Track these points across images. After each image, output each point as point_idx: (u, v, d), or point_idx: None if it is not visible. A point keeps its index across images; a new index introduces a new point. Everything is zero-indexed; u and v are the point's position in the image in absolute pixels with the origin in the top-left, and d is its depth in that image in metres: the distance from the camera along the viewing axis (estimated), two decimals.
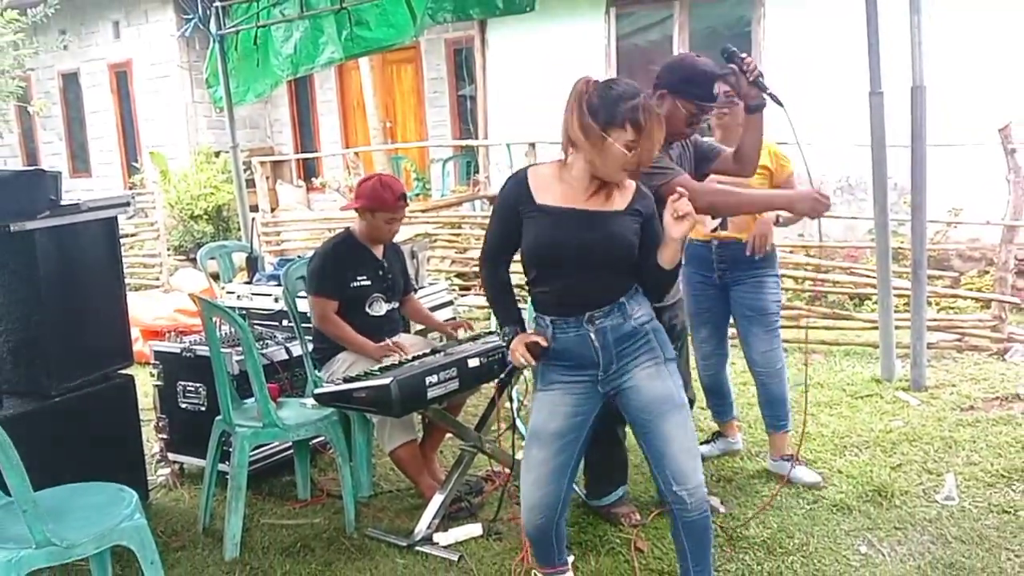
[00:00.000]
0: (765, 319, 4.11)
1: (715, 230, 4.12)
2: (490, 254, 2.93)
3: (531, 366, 2.83)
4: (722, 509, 3.74)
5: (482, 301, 8.26)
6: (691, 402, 3.90)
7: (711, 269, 4.13)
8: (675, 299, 3.63)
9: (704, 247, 4.11)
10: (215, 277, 6.25)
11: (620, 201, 2.77)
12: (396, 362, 3.73)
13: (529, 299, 2.94)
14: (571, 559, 3.23)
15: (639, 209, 2.80)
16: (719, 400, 4.43)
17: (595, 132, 2.61)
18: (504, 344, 2.89)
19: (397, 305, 4.36)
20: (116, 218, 4.15)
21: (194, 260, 10.28)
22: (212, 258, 5.90)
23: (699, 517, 2.81)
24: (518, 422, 4.20)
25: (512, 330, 2.87)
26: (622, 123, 2.58)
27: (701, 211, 3.29)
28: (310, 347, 4.28)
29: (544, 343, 2.79)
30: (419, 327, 4.84)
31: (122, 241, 4.48)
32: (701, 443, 4.21)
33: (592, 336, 2.76)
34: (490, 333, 4.25)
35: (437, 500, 3.80)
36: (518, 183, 2.79)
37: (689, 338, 4.05)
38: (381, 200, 4.09)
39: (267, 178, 12.17)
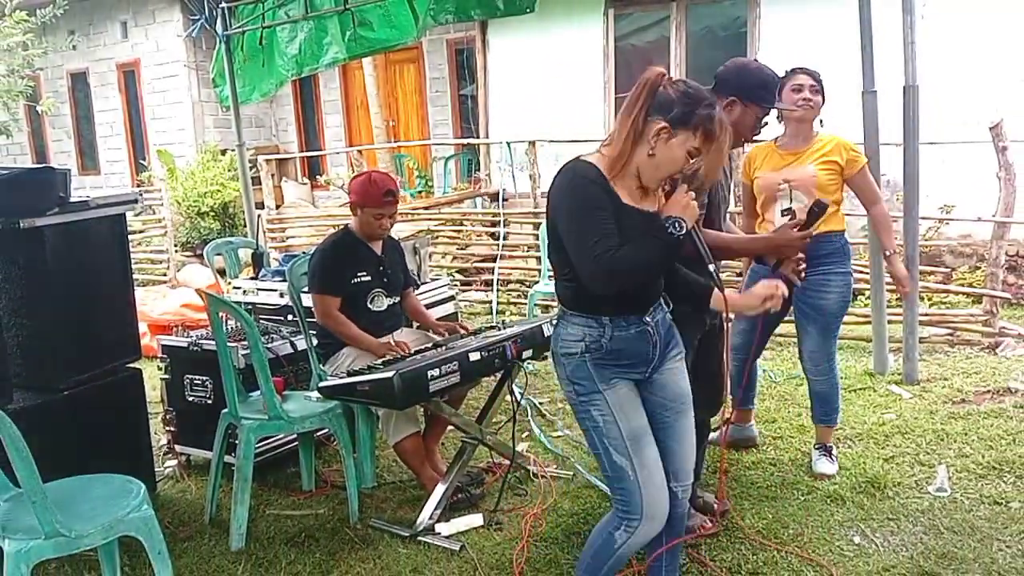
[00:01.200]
0: (822, 319, 4.05)
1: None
2: (605, 257, 2.38)
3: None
4: (717, 506, 3.73)
5: (482, 296, 8.33)
6: (720, 404, 3.84)
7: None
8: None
9: None
10: (221, 273, 6.31)
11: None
12: (393, 358, 3.78)
13: (561, 299, 2.66)
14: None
15: None
16: (745, 388, 4.35)
17: (662, 127, 2.40)
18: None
19: (398, 300, 4.40)
20: (124, 215, 4.20)
21: (201, 256, 10.33)
22: (218, 254, 5.97)
23: (681, 510, 2.84)
24: (532, 422, 4.25)
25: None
26: (695, 126, 2.40)
27: None
28: (314, 341, 4.34)
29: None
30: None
31: (130, 237, 4.51)
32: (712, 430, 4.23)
33: (651, 331, 2.63)
34: (490, 327, 4.32)
35: (439, 491, 3.86)
36: (596, 183, 2.45)
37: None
38: (368, 196, 4.13)
39: (272, 176, 12.21)
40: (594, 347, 2.57)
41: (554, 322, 2.73)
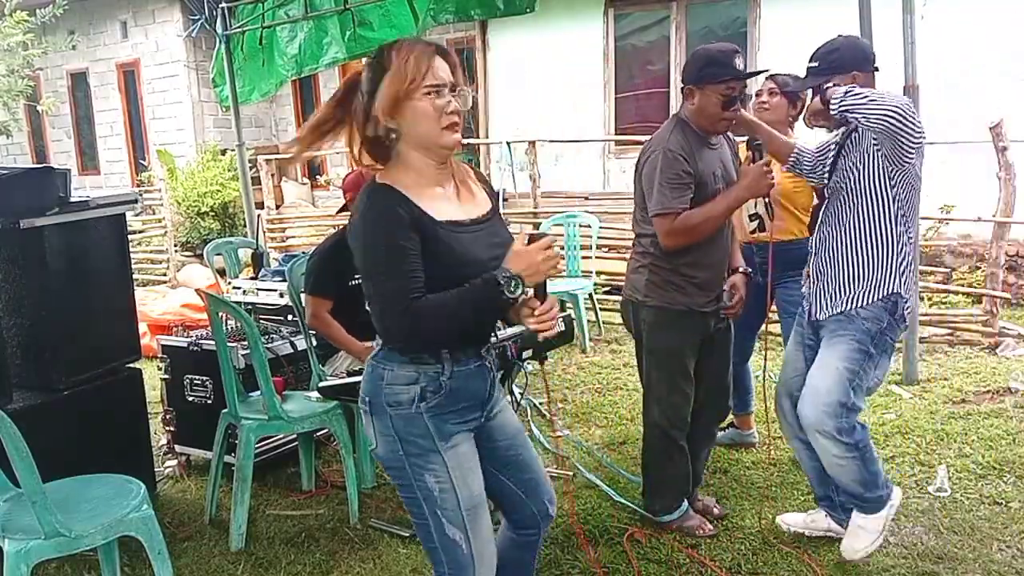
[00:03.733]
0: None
1: (753, 232, 4.15)
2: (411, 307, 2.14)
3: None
4: (716, 510, 3.76)
5: None
6: (728, 411, 3.92)
7: (754, 269, 3.96)
8: (718, 305, 3.55)
9: (747, 248, 3.97)
10: (221, 273, 6.32)
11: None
12: None
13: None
14: None
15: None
16: (737, 393, 4.37)
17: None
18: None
19: None
20: (124, 215, 4.20)
21: (201, 256, 10.35)
22: (218, 254, 5.97)
23: (548, 524, 2.60)
24: (531, 423, 4.24)
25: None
26: (389, 62, 2.14)
27: (671, 246, 3.33)
28: (314, 342, 4.34)
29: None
30: None
31: (130, 237, 4.52)
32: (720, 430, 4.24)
33: (488, 367, 2.32)
34: None
35: None
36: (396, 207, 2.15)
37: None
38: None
39: (272, 176, 12.22)
40: (431, 391, 2.19)
41: (368, 365, 2.30)
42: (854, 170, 3.14)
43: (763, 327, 4.14)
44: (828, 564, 3.36)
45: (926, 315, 6.28)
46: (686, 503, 3.68)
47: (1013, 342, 5.98)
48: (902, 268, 3.15)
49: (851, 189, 3.16)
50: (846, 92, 3.00)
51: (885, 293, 3.14)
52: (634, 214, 3.57)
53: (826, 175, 3.34)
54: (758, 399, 4.60)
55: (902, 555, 3.40)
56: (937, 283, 7.17)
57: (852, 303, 3.17)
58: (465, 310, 2.10)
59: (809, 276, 3.37)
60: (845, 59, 3.22)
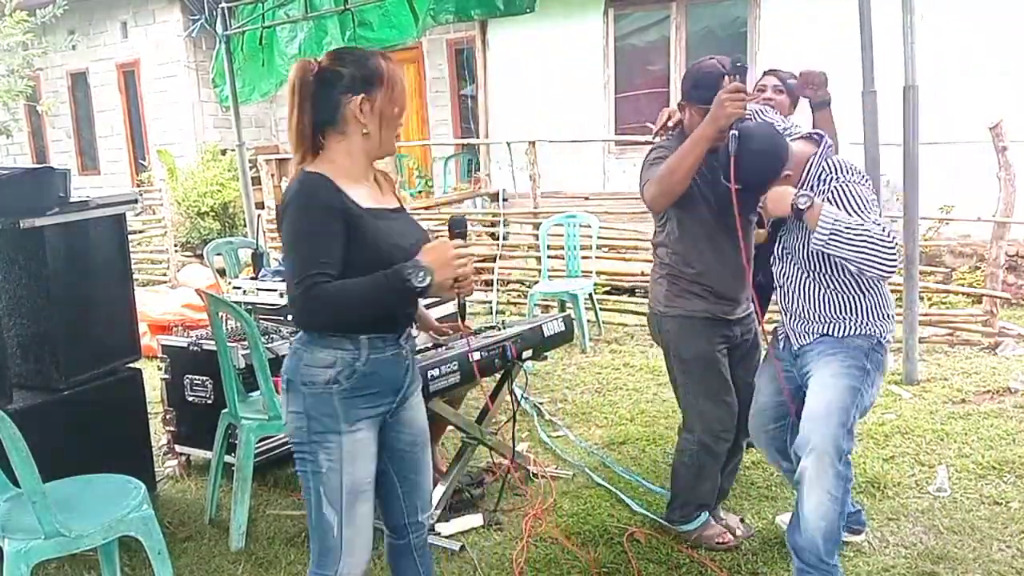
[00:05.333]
0: None
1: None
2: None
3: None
4: (740, 531, 3.63)
5: (482, 296, 8.33)
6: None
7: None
8: (747, 312, 3.48)
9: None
10: (221, 273, 6.32)
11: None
12: None
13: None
14: None
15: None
16: None
17: (360, 100, 2.31)
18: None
19: None
20: (124, 215, 4.21)
21: (201, 256, 10.35)
22: (218, 254, 5.98)
23: (426, 538, 2.67)
24: (536, 421, 4.25)
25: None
26: (380, 78, 2.34)
27: (653, 206, 3.26)
28: None
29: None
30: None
31: (130, 237, 4.52)
32: None
33: (404, 355, 2.42)
34: (490, 328, 4.32)
35: (439, 491, 3.86)
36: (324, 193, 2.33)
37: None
38: None
39: (272, 176, 12.20)
40: (346, 375, 2.30)
41: (292, 346, 2.40)
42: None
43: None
44: None
45: (926, 315, 6.28)
46: (706, 513, 3.59)
47: (1013, 342, 5.98)
48: (880, 311, 3.07)
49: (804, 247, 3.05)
50: (835, 222, 2.81)
51: (867, 332, 3.06)
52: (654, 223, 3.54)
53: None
54: None
55: (902, 555, 3.40)
56: (937, 283, 7.17)
57: (837, 332, 3.07)
58: (371, 296, 2.22)
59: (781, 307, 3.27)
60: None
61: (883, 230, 2.79)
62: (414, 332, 2.54)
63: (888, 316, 3.10)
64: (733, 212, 3.13)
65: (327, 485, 2.33)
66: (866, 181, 3.06)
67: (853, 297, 3.05)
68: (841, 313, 3.06)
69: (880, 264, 2.77)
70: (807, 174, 3.08)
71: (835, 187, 2.97)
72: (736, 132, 3.01)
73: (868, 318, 3.05)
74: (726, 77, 3.06)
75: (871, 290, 3.05)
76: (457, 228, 2.46)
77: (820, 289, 3.08)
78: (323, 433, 2.31)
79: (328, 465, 2.32)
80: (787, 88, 4.04)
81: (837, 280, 3.04)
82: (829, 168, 3.06)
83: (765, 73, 4.09)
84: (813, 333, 3.12)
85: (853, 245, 2.78)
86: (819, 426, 2.98)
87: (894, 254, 2.77)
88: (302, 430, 2.33)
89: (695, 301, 3.37)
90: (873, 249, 2.76)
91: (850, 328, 3.05)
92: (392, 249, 2.27)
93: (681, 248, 3.37)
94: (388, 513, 2.60)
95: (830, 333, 3.08)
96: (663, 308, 3.44)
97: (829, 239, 2.81)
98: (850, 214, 2.87)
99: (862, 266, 2.81)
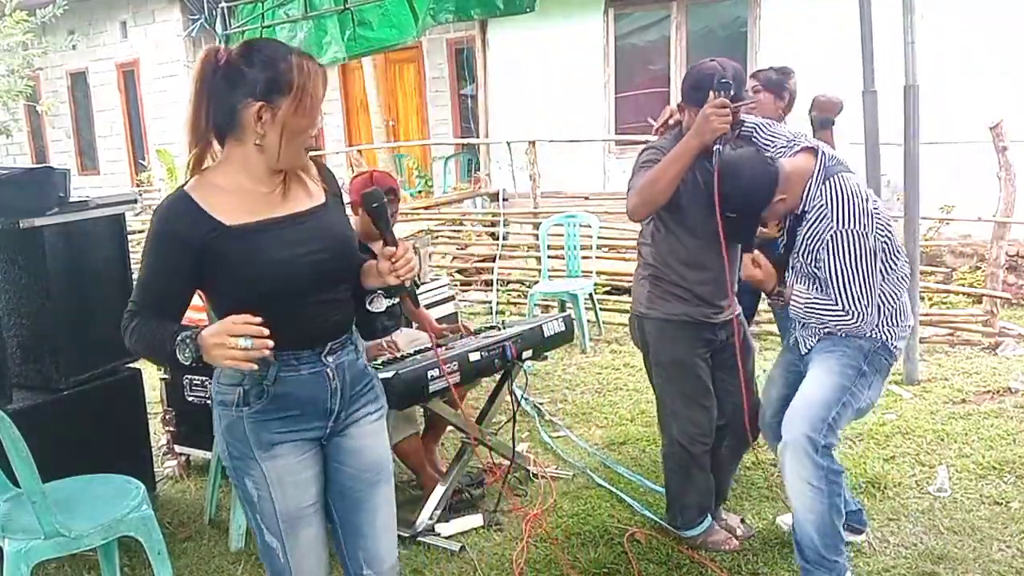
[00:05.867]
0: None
1: None
2: (125, 317, 2.23)
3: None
4: (740, 531, 3.63)
5: (482, 296, 8.33)
6: (756, 434, 3.67)
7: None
8: (731, 315, 3.43)
9: None
10: None
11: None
12: (391, 358, 3.78)
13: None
14: None
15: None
16: None
17: (259, 107, 2.03)
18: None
19: (398, 301, 4.39)
20: (124, 215, 4.21)
21: None
22: None
23: None
24: (537, 421, 4.25)
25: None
26: (289, 86, 2.03)
27: (633, 216, 3.25)
28: None
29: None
30: None
31: (129, 237, 4.52)
32: None
33: (329, 374, 2.18)
34: (490, 328, 4.32)
35: (439, 492, 3.86)
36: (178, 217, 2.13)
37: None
38: None
39: None
40: (254, 394, 2.10)
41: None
42: (815, 247, 3.04)
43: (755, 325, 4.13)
44: None
45: (926, 315, 6.28)
46: (710, 517, 3.57)
47: (1013, 342, 5.98)
48: (890, 317, 3.08)
49: (816, 257, 3.06)
50: (807, 302, 3.09)
51: (871, 334, 3.08)
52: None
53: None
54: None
55: (902, 555, 3.39)
56: (937, 283, 7.17)
57: (840, 332, 3.10)
58: (151, 349, 2.08)
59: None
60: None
61: (853, 296, 2.96)
62: (360, 348, 2.29)
63: (899, 323, 3.10)
64: (716, 216, 3.10)
65: (261, 512, 2.18)
66: (868, 202, 3.00)
67: (854, 314, 3.04)
68: (845, 328, 3.08)
69: (847, 328, 3.04)
70: (807, 195, 3.05)
71: (832, 235, 2.96)
72: (719, 148, 3.03)
73: (875, 321, 3.05)
74: (711, 93, 3.04)
75: (883, 301, 3.06)
76: (373, 202, 2.26)
77: (823, 308, 3.08)
78: (241, 459, 2.15)
79: (256, 492, 2.16)
80: (770, 85, 4.05)
81: (838, 299, 3.04)
82: (829, 201, 2.99)
83: (749, 76, 4.10)
84: (818, 336, 3.17)
85: (822, 319, 3.06)
86: (795, 420, 3.03)
87: (856, 322, 2.99)
88: (225, 454, 2.19)
89: (676, 304, 3.34)
90: (840, 321, 3.02)
91: (854, 328, 3.05)
92: (268, 265, 2.04)
93: (665, 249, 3.33)
94: (339, 555, 2.33)
95: (834, 332, 3.10)
96: (644, 309, 3.43)
97: (804, 312, 3.10)
98: (844, 267, 2.95)
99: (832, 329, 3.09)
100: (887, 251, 3.04)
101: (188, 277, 2.07)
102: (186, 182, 2.12)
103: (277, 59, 2.02)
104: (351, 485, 2.26)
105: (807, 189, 3.06)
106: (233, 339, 1.87)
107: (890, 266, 3.06)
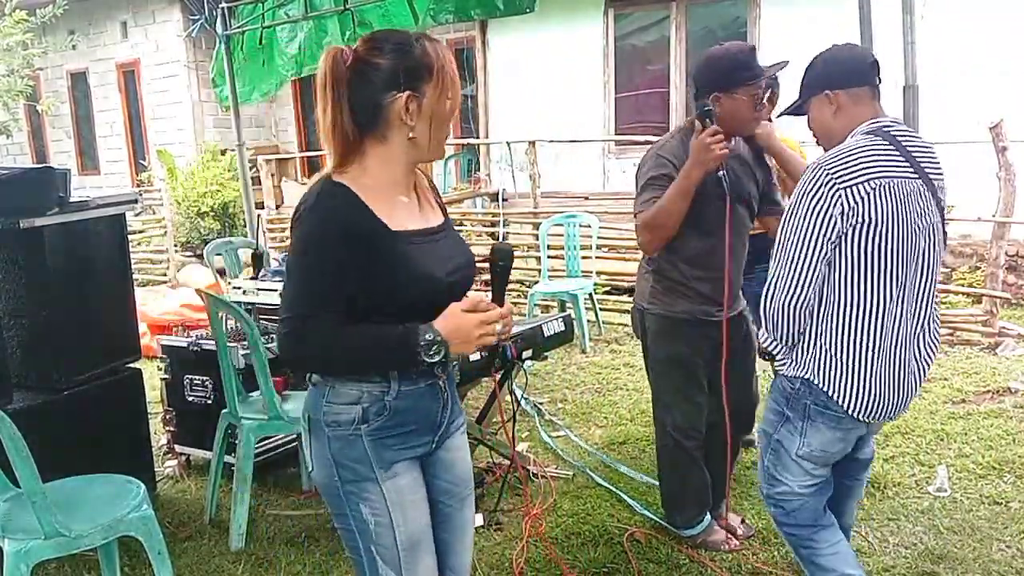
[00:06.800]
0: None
1: None
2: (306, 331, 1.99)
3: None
4: (741, 530, 3.65)
5: (482, 296, 8.33)
6: (752, 425, 3.75)
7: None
8: (734, 312, 3.39)
9: None
10: (221, 273, 6.31)
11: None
12: None
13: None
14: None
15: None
16: None
17: (407, 97, 1.93)
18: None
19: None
20: (124, 215, 4.21)
21: (201, 256, 10.35)
22: (218, 254, 5.97)
23: None
24: (537, 421, 4.26)
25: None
26: (429, 70, 1.95)
27: (646, 250, 3.26)
28: None
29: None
30: None
31: (130, 237, 4.53)
32: None
33: (442, 386, 2.09)
34: None
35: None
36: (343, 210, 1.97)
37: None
38: None
39: (272, 175, 12.23)
40: (374, 412, 1.98)
41: (311, 383, 2.06)
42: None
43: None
44: None
45: None
46: (709, 516, 3.58)
47: (1013, 342, 5.98)
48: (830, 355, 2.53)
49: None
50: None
51: (796, 373, 2.61)
52: None
53: None
54: (762, 398, 4.61)
55: (902, 555, 3.40)
56: (937, 283, 7.17)
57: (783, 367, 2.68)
58: (370, 354, 1.94)
59: None
60: (814, 76, 2.71)
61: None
62: (454, 360, 2.12)
63: (850, 371, 2.52)
64: (724, 218, 3.15)
65: (379, 543, 2.01)
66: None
67: (812, 328, 2.57)
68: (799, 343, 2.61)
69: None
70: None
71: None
72: (724, 173, 3.08)
73: (806, 351, 2.58)
74: (696, 122, 3.08)
75: (829, 309, 2.52)
76: (502, 260, 2.16)
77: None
78: (357, 483, 1.99)
79: (375, 519, 1.99)
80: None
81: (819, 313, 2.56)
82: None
83: None
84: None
85: None
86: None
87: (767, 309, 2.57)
88: (332, 479, 2.00)
89: (679, 301, 3.35)
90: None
91: (785, 360, 2.65)
92: (421, 280, 1.95)
93: (670, 246, 3.30)
94: None
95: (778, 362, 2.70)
96: (646, 304, 3.43)
97: None
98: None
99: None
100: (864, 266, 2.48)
101: (358, 276, 1.91)
102: (328, 175, 1.97)
103: (408, 45, 1.93)
104: (443, 500, 2.16)
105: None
106: (492, 325, 1.93)
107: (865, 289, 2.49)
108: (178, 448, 4.60)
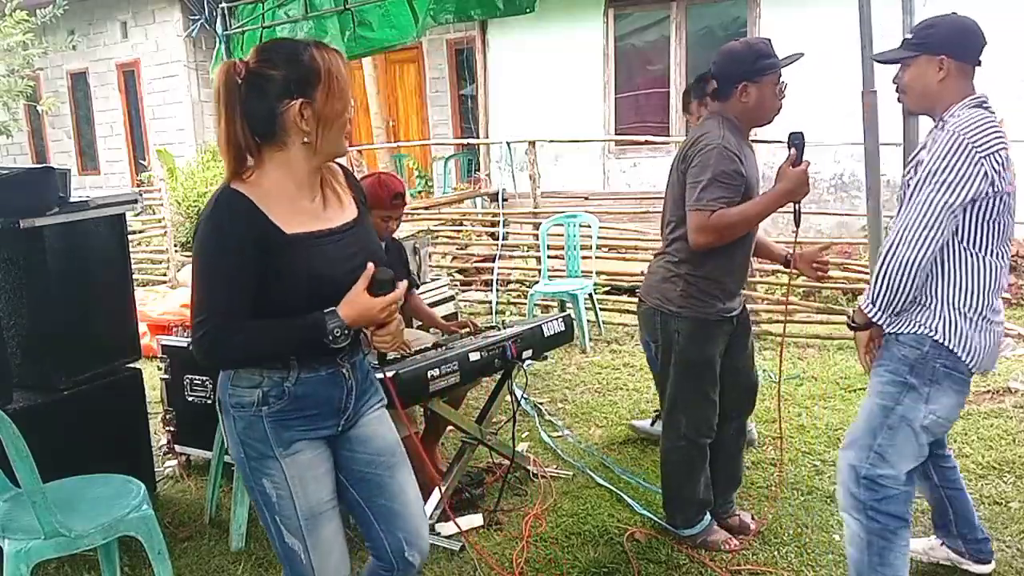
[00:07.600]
0: None
1: None
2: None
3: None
4: (754, 525, 3.65)
5: (482, 296, 8.33)
6: (754, 403, 3.78)
7: None
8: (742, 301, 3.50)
9: None
10: None
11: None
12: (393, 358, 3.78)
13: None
14: None
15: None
16: None
17: (300, 104, 2.05)
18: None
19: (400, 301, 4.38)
20: (124, 215, 4.21)
21: None
22: None
23: None
24: (537, 421, 4.26)
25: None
26: (318, 76, 2.05)
27: (698, 247, 3.18)
28: None
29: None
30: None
31: (130, 237, 4.53)
32: None
33: (345, 375, 2.23)
34: (490, 328, 4.32)
35: (439, 491, 3.87)
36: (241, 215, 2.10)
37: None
38: (376, 198, 4.09)
39: None
40: (274, 396, 2.13)
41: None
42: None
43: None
44: (827, 564, 3.35)
45: None
46: (708, 515, 3.57)
47: (1013, 342, 5.97)
48: (951, 302, 2.63)
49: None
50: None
51: (920, 332, 2.65)
52: (664, 217, 3.42)
53: None
54: (761, 399, 4.61)
55: None
56: None
57: (892, 327, 2.72)
58: (281, 346, 2.09)
59: None
60: (936, 38, 2.79)
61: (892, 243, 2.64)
62: (365, 348, 2.32)
63: (972, 310, 2.63)
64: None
65: (281, 514, 2.18)
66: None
67: (931, 278, 2.65)
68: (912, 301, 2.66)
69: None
70: None
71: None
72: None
73: (931, 312, 2.65)
74: (792, 149, 3.13)
75: (954, 270, 2.64)
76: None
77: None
78: (260, 459, 2.16)
79: (276, 493, 2.17)
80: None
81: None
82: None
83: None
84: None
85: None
86: (845, 443, 2.87)
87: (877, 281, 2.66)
88: (241, 457, 2.19)
89: (712, 303, 3.32)
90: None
91: (903, 324, 2.69)
92: (318, 280, 2.08)
93: (722, 247, 3.24)
94: (368, 541, 2.36)
95: (887, 329, 2.73)
96: (676, 308, 3.34)
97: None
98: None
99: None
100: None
101: (256, 278, 2.04)
102: (228, 182, 2.08)
103: (297, 54, 2.04)
104: (369, 470, 2.30)
105: None
106: (393, 305, 2.09)
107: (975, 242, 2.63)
108: (178, 448, 4.60)
